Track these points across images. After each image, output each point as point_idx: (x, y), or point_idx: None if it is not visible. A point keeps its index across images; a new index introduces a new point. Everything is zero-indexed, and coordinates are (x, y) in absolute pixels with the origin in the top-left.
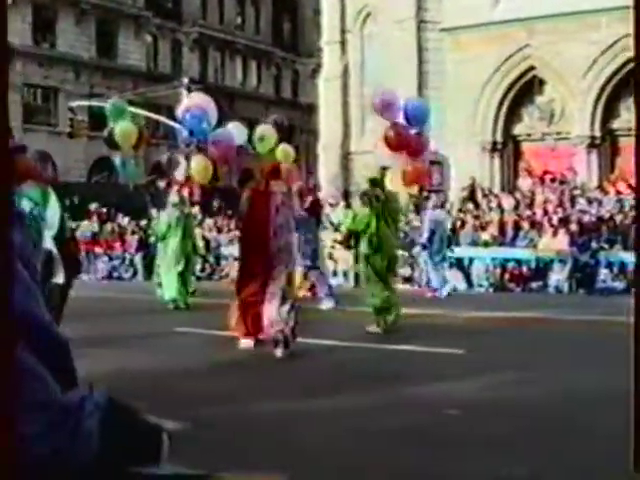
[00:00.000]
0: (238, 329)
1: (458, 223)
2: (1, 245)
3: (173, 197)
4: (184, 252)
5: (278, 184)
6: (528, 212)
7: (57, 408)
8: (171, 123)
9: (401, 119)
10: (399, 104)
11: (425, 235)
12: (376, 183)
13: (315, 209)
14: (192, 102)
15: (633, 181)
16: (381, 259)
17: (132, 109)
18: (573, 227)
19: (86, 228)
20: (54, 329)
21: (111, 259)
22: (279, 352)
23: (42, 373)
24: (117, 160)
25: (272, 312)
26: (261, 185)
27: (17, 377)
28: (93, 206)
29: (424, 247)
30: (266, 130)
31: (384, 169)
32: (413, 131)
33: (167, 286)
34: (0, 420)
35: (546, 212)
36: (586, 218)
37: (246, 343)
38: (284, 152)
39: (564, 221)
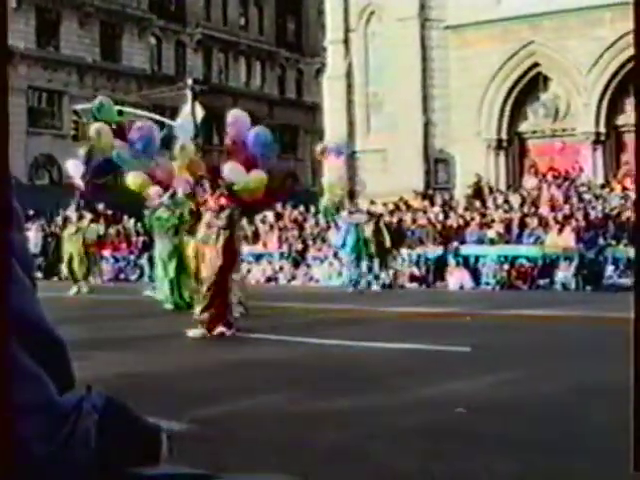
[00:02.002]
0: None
1: (461, 221)
2: (1, 245)
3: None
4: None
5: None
6: (534, 209)
7: (54, 409)
8: (175, 124)
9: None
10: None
11: (338, 237)
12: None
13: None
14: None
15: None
16: None
17: (132, 110)
18: (579, 224)
19: (92, 230)
20: (51, 330)
21: (117, 261)
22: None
23: (39, 374)
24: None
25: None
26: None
27: (11, 378)
28: (100, 207)
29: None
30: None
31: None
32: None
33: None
34: None
35: (552, 209)
36: (592, 214)
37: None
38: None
39: (570, 218)
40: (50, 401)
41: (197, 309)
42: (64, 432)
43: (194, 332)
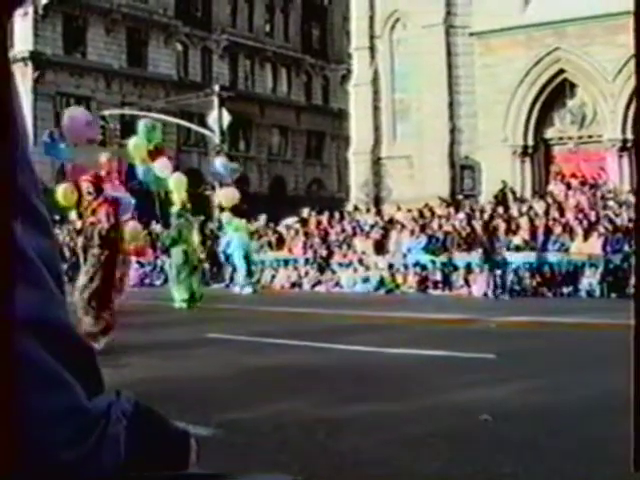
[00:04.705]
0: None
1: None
2: (1, 246)
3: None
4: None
5: None
6: (558, 215)
7: (84, 415)
8: (202, 130)
9: None
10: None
11: (223, 243)
12: None
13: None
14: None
15: None
16: None
17: (159, 116)
18: (605, 230)
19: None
20: (79, 337)
21: (142, 266)
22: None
23: (67, 379)
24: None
25: None
26: None
27: (27, 379)
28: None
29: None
30: None
31: None
32: None
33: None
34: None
35: (579, 216)
36: (618, 221)
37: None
38: None
39: (596, 224)
40: (79, 407)
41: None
42: (93, 438)
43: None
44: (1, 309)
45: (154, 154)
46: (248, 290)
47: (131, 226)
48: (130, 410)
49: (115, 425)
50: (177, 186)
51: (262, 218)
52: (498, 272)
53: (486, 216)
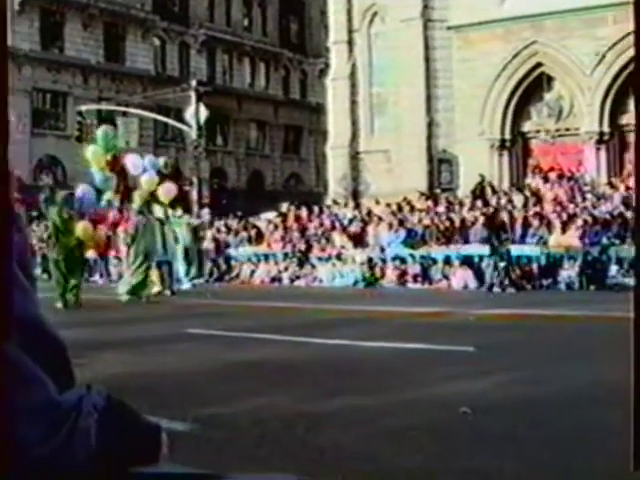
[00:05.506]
0: None
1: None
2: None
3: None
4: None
5: None
6: (537, 209)
7: (55, 409)
8: (179, 125)
9: None
10: None
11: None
12: None
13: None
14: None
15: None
16: None
17: (136, 111)
18: (582, 223)
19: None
20: (50, 330)
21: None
22: None
23: (38, 374)
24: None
25: None
26: None
27: (7, 379)
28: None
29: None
30: None
31: None
32: None
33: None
34: None
35: (557, 209)
36: (596, 213)
37: None
38: None
39: (574, 217)
40: (50, 401)
41: None
42: (64, 432)
43: None
44: None
45: (112, 163)
46: (187, 286)
47: (81, 225)
48: (101, 404)
49: (86, 418)
50: (148, 184)
51: (204, 212)
52: (502, 264)
53: (465, 210)
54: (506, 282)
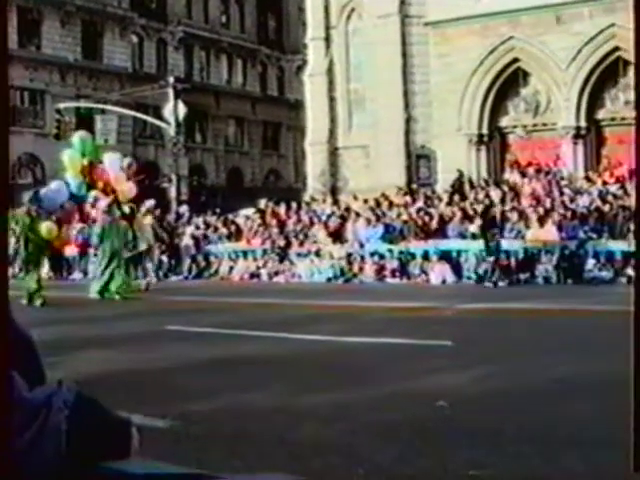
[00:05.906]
0: None
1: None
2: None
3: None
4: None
5: None
6: (515, 203)
7: (24, 405)
8: (158, 122)
9: None
10: None
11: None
12: None
13: None
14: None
15: (617, 172)
16: None
17: (114, 108)
18: (560, 217)
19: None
20: (17, 325)
21: None
22: None
23: (9, 372)
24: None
25: None
26: None
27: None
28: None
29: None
30: None
31: None
32: None
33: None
34: None
35: (534, 203)
36: (573, 208)
37: None
38: None
39: (551, 211)
40: (19, 397)
41: None
42: (35, 428)
43: None
44: None
45: (88, 169)
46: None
47: (45, 226)
48: (71, 400)
49: (56, 415)
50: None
51: (183, 209)
52: (491, 259)
53: (443, 205)
54: (495, 276)
